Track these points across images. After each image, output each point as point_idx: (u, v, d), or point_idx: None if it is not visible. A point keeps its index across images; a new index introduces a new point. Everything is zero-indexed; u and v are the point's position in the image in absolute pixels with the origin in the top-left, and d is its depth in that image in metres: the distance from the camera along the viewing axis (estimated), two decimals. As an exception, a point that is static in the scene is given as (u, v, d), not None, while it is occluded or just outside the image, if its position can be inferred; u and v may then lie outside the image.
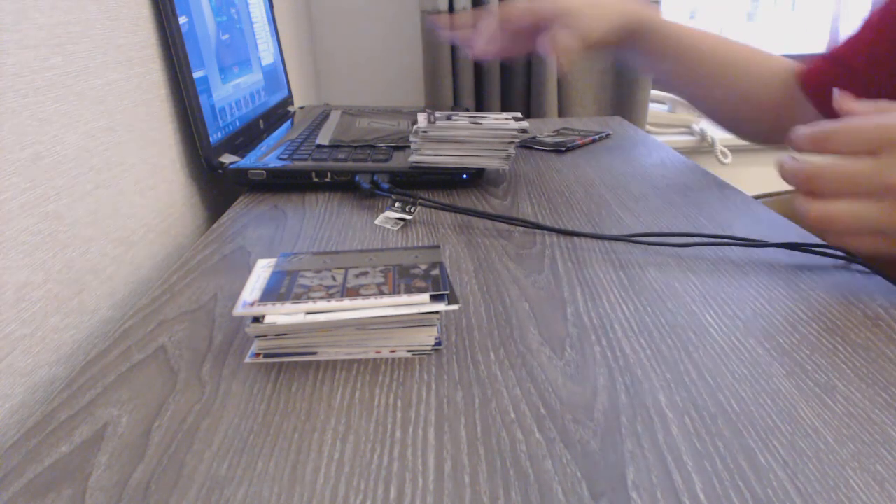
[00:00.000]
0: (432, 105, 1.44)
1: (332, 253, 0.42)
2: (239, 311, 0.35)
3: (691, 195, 0.64)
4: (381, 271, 0.39)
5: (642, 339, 0.38)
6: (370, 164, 0.67)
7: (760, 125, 0.77)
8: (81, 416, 0.32)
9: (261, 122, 0.85)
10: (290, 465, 0.29)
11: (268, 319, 0.35)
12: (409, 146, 0.74)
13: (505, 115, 0.68)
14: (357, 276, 0.38)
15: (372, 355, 0.37)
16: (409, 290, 0.36)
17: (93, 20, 0.51)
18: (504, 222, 0.57)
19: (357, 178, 0.65)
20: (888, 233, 0.38)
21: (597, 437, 0.30)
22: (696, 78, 0.75)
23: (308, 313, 0.35)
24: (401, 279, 0.38)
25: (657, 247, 0.52)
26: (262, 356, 0.37)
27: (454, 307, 0.36)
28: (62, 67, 0.46)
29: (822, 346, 0.37)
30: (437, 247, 0.42)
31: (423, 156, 0.65)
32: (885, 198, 0.37)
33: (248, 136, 0.78)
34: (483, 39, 0.70)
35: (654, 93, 1.61)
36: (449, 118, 0.66)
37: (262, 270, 0.40)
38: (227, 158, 0.68)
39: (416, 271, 0.39)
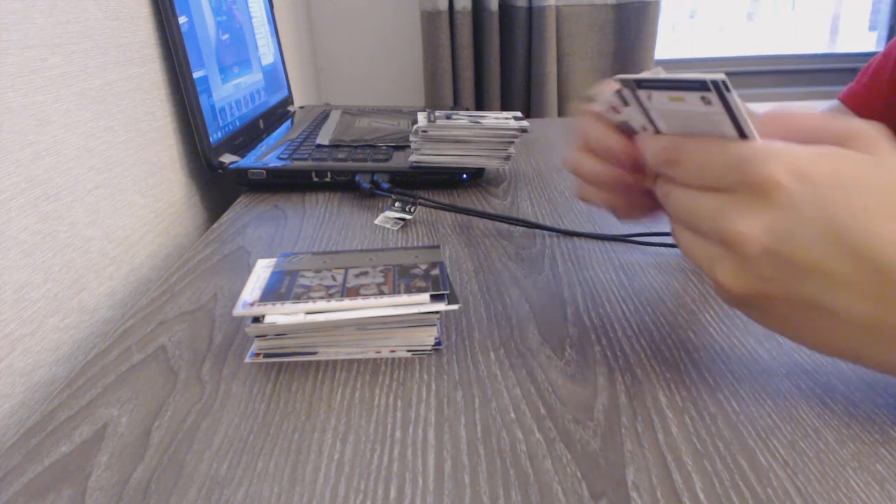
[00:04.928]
0: (432, 105, 1.44)
1: (332, 253, 0.42)
2: (239, 311, 0.35)
3: (691, 195, 0.64)
4: (381, 271, 0.39)
5: (642, 339, 0.38)
6: (370, 164, 0.67)
7: None
8: (81, 416, 0.32)
9: (261, 121, 0.85)
10: (290, 465, 0.29)
11: (268, 319, 0.35)
12: (409, 146, 0.74)
13: (505, 114, 0.68)
14: (357, 275, 0.38)
15: (372, 355, 0.37)
16: (409, 290, 0.36)
17: (93, 20, 0.51)
18: (504, 222, 0.57)
19: (357, 177, 0.65)
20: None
21: (597, 437, 0.30)
22: None
23: (308, 313, 0.35)
24: (401, 279, 0.38)
25: (657, 247, 0.52)
26: (262, 356, 0.37)
27: (454, 307, 0.36)
28: (62, 67, 0.46)
29: (822, 346, 0.37)
30: (437, 247, 0.42)
31: (423, 155, 0.65)
32: (717, 244, 0.29)
33: (248, 135, 0.78)
34: None
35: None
36: (449, 118, 0.66)
37: (262, 270, 0.40)
38: (227, 158, 0.68)
39: (416, 271, 0.39)
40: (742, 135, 0.28)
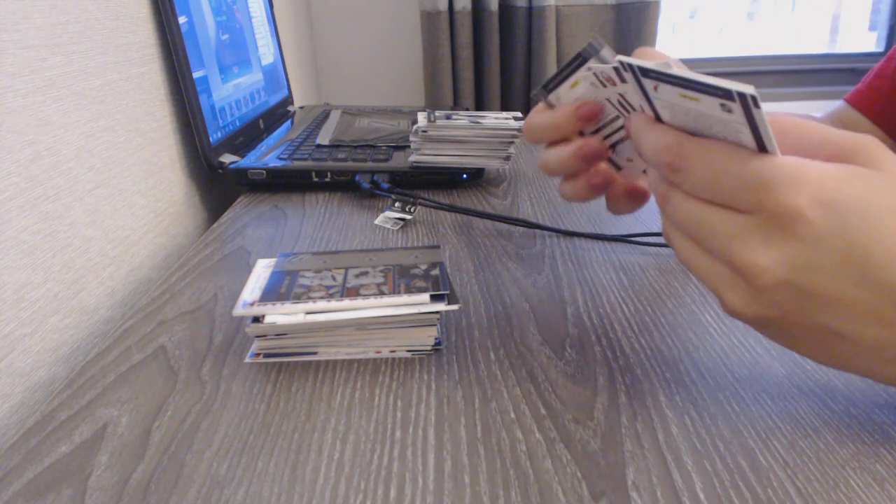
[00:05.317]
0: (432, 105, 1.44)
1: (332, 253, 0.42)
2: (239, 311, 0.35)
3: (691, 195, 0.64)
4: (381, 271, 0.39)
5: (642, 339, 0.38)
6: (370, 164, 0.67)
7: None
8: (81, 416, 0.32)
9: (261, 121, 0.85)
10: (290, 465, 0.29)
11: (268, 319, 0.35)
12: (409, 146, 0.74)
13: (505, 114, 0.68)
14: (357, 275, 0.38)
15: (372, 355, 0.37)
16: (410, 290, 0.36)
17: (92, 20, 0.51)
18: (504, 222, 0.57)
19: (357, 177, 0.65)
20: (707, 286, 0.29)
21: (597, 437, 0.30)
22: None
23: (308, 313, 0.35)
24: (401, 279, 0.38)
25: (657, 247, 0.52)
26: (262, 356, 0.37)
27: (454, 307, 0.36)
28: (62, 67, 0.46)
29: (822, 346, 0.37)
30: (437, 247, 0.42)
31: (423, 155, 0.65)
32: (726, 266, 0.27)
33: (248, 135, 0.78)
34: None
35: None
36: (449, 118, 0.66)
37: (262, 270, 0.40)
38: (227, 158, 0.68)
39: (416, 271, 0.39)
40: (761, 147, 0.25)
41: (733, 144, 0.26)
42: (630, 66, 0.27)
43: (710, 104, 0.25)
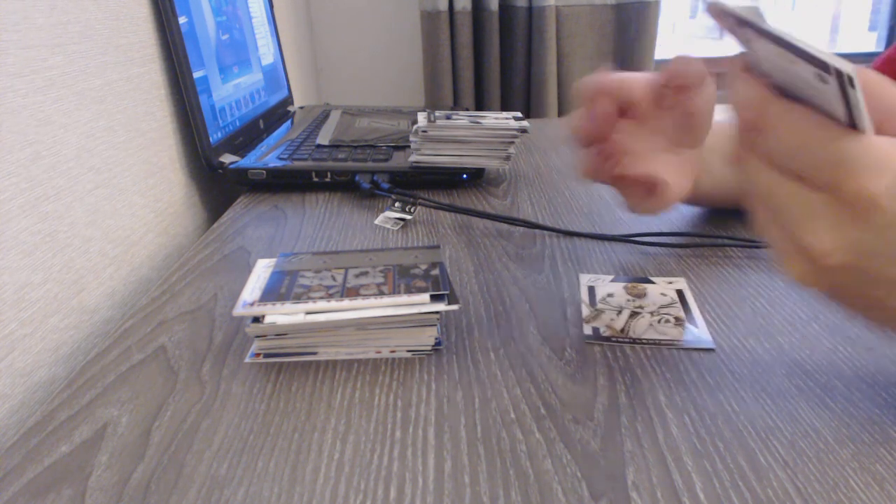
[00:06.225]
0: (432, 105, 1.44)
1: (332, 253, 0.42)
2: (239, 311, 0.35)
3: (691, 195, 0.64)
4: (381, 271, 0.39)
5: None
6: (370, 164, 0.67)
7: None
8: (81, 416, 0.32)
9: (261, 121, 0.85)
10: (290, 465, 0.29)
11: (268, 319, 0.35)
12: (409, 146, 0.74)
13: (505, 114, 0.68)
14: (357, 276, 0.38)
15: (372, 355, 0.37)
16: (410, 290, 0.36)
17: (93, 20, 0.51)
18: (504, 222, 0.57)
19: (357, 177, 0.65)
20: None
21: (597, 437, 0.30)
22: None
23: (308, 313, 0.35)
24: (401, 279, 0.38)
25: (657, 247, 0.52)
26: (262, 356, 0.37)
27: (454, 307, 0.36)
28: (62, 67, 0.46)
29: (821, 346, 0.37)
30: (437, 247, 0.42)
31: (423, 155, 0.65)
32: (793, 242, 0.26)
33: (248, 135, 0.78)
34: None
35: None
36: (449, 118, 0.66)
37: (262, 270, 0.40)
38: (227, 158, 0.68)
39: (416, 271, 0.39)
40: (852, 123, 0.23)
41: (822, 115, 0.24)
42: (727, 12, 0.25)
43: (805, 70, 0.23)
